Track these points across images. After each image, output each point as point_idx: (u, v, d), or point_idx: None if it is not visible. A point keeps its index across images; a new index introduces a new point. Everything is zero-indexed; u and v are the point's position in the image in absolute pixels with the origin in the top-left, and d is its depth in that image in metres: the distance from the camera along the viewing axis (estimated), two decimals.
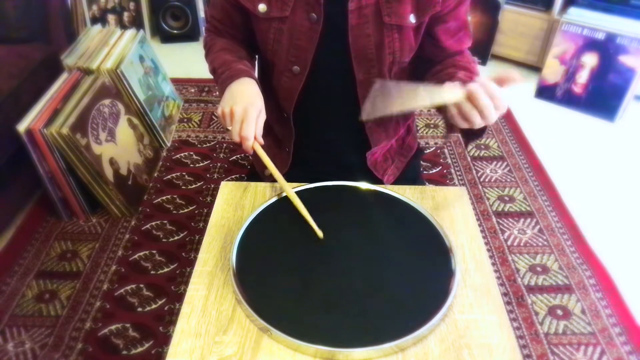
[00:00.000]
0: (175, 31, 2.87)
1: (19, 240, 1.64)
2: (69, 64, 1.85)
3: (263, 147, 0.88)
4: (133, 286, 1.49)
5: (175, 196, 1.82)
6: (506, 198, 1.85)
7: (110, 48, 1.95)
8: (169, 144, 2.08)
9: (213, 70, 1.03)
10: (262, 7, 0.95)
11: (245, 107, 0.86)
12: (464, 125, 0.80)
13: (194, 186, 1.87)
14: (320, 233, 0.83)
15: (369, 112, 0.80)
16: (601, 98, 2.31)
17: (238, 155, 2.03)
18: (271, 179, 1.14)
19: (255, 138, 0.86)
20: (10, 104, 1.59)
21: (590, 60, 2.30)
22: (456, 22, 0.99)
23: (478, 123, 0.78)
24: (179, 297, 1.46)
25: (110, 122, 1.74)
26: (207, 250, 0.83)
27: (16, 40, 1.80)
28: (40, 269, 1.55)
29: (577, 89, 2.36)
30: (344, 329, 0.70)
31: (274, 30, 0.96)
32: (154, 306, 1.44)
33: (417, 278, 0.77)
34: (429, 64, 1.04)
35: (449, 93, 0.78)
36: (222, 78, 0.96)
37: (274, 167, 0.88)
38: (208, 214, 1.13)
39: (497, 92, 0.76)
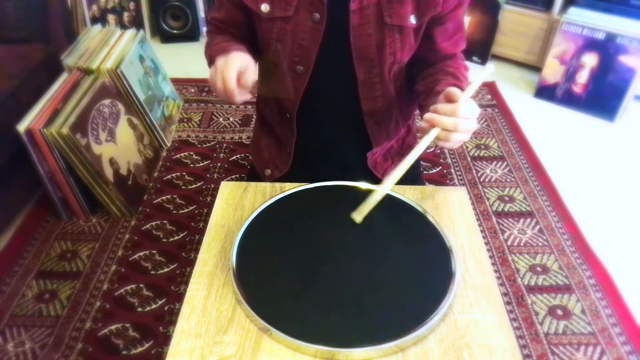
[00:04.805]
0: (175, 31, 2.87)
1: (19, 240, 1.64)
2: (69, 64, 1.85)
3: (263, 143, 0.87)
4: (133, 286, 1.49)
5: (175, 196, 1.82)
6: (506, 198, 1.85)
7: (110, 48, 1.95)
8: (169, 144, 2.08)
9: (210, 58, 1.00)
10: (264, 7, 0.94)
11: (226, 59, 0.85)
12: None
13: (194, 186, 1.87)
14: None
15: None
16: (601, 98, 2.30)
17: (238, 155, 2.03)
18: (271, 178, 1.14)
19: (250, 89, 0.85)
20: (10, 104, 1.59)
21: (590, 60, 2.30)
22: (454, 24, 0.99)
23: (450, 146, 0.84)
24: (179, 297, 1.46)
25: (110, 122, 1.74)
26: (207, 250, 0.83)
27: (16, 40, 1.80)
28: (40, 269, 1.55)
29: (577, 89, 2.36)
30: (344, 329, 0.70)
31: (277, 30, 0.96)
32: (154, 306, 1.44)
33: (417, 278, 0.77)
34: (422, 65, 1.03)
35: (428, 140, 0.83)
36: (215, 59, 0.94)
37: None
38: (208, 214, 1.13)
39: (464, 121, 0.80)
